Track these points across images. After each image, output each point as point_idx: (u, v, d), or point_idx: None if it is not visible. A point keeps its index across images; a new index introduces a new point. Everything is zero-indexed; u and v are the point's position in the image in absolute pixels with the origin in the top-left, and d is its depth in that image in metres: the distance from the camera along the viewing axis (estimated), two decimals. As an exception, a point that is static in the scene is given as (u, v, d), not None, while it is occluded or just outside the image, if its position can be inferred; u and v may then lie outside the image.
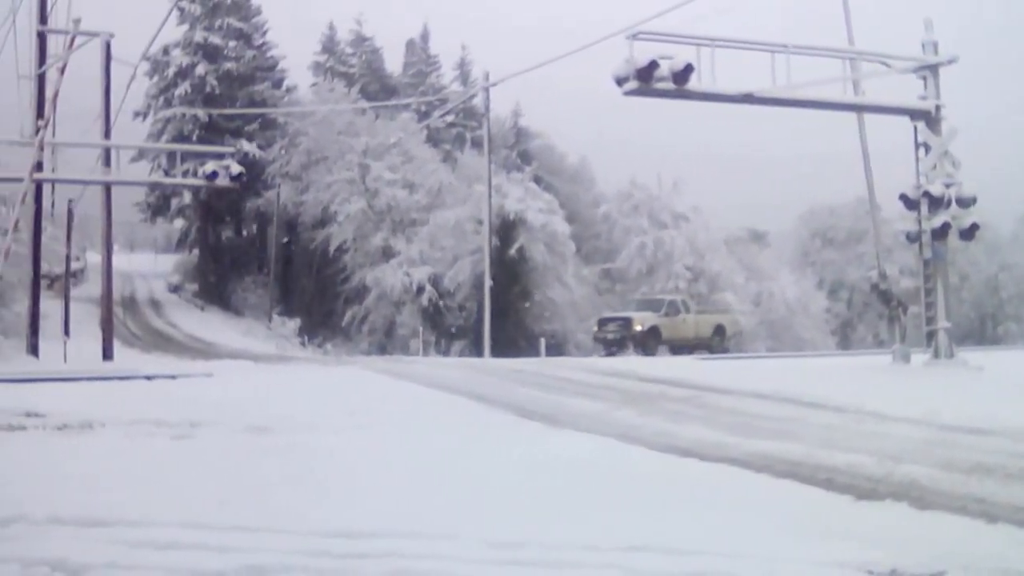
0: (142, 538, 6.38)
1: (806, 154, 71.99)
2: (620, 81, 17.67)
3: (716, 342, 37.54)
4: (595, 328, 37.78)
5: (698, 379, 16.39)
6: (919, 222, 20.52)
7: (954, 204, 19.95)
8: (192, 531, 6.59)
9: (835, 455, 9.40)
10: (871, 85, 20.89)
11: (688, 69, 17.42)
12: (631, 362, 25.07)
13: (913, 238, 20.91)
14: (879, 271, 22.44)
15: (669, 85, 17.63)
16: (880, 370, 19.90)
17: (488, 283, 36.82)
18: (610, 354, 34.34)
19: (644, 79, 17.38)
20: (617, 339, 35.72)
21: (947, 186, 19.92)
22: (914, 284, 23.59)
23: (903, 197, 20.67)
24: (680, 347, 35.69)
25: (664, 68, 17.40)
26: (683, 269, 42.88)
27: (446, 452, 10.10)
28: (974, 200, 20.25)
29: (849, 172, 31.17)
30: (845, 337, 52.33)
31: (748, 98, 18.85)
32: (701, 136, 75.45)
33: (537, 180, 49.67)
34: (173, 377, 18.86)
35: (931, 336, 20.50)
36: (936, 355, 20.27)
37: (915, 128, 20.75)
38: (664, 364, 23.50)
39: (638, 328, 35.26)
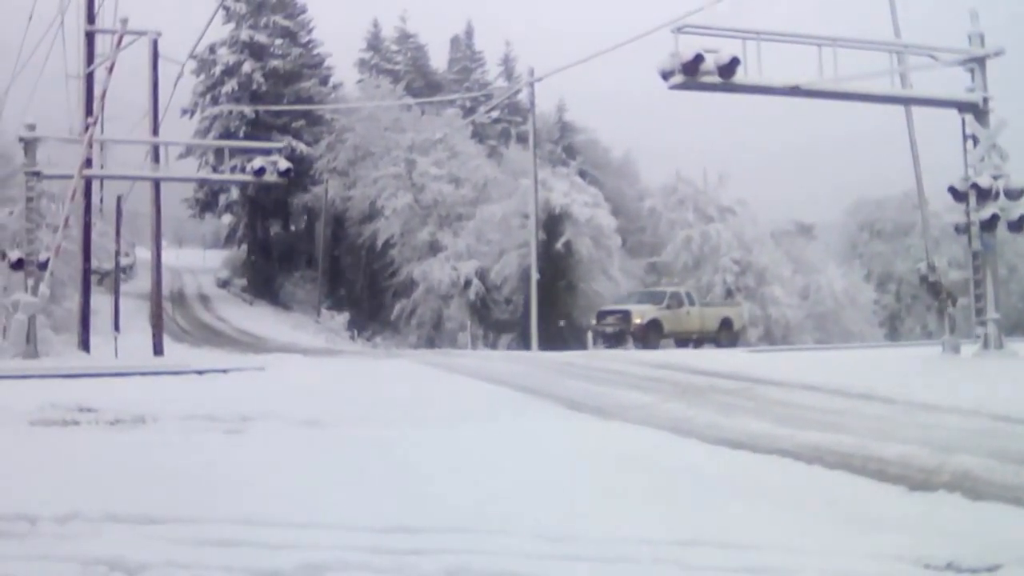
0: (198, 536, 6.40)
1: (852, 147, 71.35)
2: (666, 75, 17.64)
3: (723, 336, 36.45)
4: (593, 321, 36.68)
5: (747, 371, 16.29)
6: (967, 214, 20.33)
7: (1002, 196, 19.79)
8: (248, 528, 6.59)
9: (886, 446, 9.30)
10: (918, 77, 20.73)
11: (734, 62, 17.36)
12: (680, 354, 25.01)
13: (962, 230, 20.75)
14: (928, 263, 22.25)
15: (715, 79, 17.56)
16: (930, 361, 19.74)
17: (535, 276, 36.77)
18: (609, 347, 33.39)
19: (690, 73, 17.33)
20: (616, 332, 34.67)
21: (995, 178, 19.78)
22: (962, 276, 23.28)
23: (951, 189, 20.50)
24: (685, 341, 35.07)
25: (710, 61, 17.35)
26: (730, 263, 42.47)
27: (498, 445, 10.12)
28: (1022, 192, 20.05)
29: (895, 164, 30.90)
30: (893, 329, 51.78)
31: (795, 91, 18.76)
32: (746, 129, 75.13)
33: (582, 174, 49.76)
34: (224, 371, 19.02)
35: (981, 327, 20.33)
36: (986, 346, 20.12)
37: (963, 120, 20.58)
38: (713, 356, 23.38)
39: (637, 321, 34.20)
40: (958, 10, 20.92)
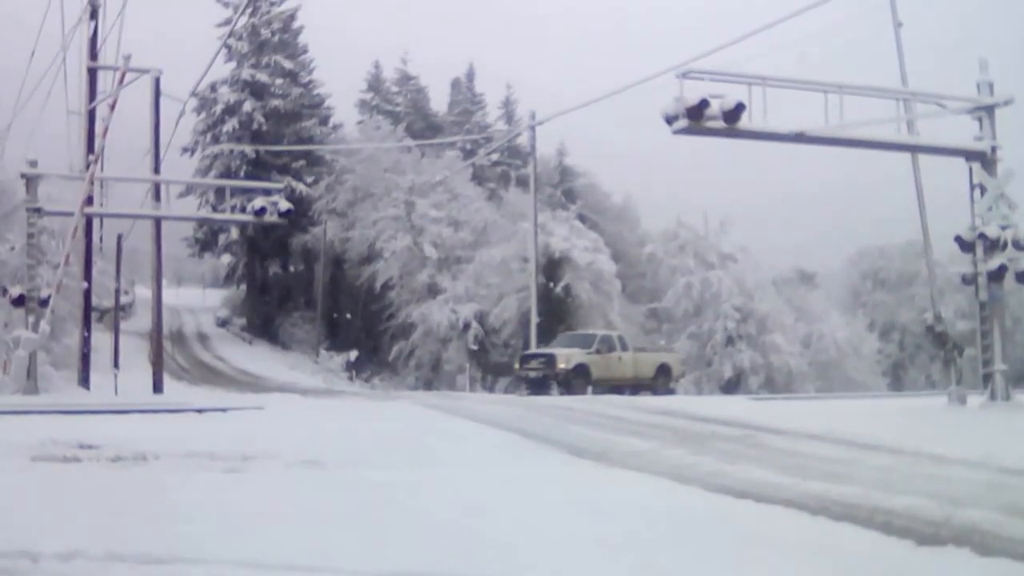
0: None
1: (856, 194, 71.45)
2: (670, 120, 17.66)
3: (660, 383, 34.69)
4: (517, 365, 34.97)
5: (749, 418, 16.18)
6: (975, 264, 20.28)
7: (1010, 246, 19.72)
8: (250, 571, 6.56)
9: (893, 498, 9.20)
10: (925, 125, 20.74)
11: (739, 108, 17.38)
12: (680, 401, 24.87)
13: (969, 280, 20.67)
14: (935, 313, 22.18)
15: (719, 124, 17.58)
16: (935, 412, 19.62)
17: (535, 320, 36.72)
18: (532, 393, 31.45)
19: (694, 118, 17.35)
20: (539, 378, 32.87)
21: (1003, 228, 19.70)
22: (969, 326, 23.27)
23: (958, 239, 20.45)
24: (619, 388, 32.43)
25: (715, 107, 17.36)
26: (731, 309, 42.25)
27: (498, 491, 10.05)
28: (1031, 243, 20.01)
29: (899, 213, 30.93)
30: (897, 379, 51.59)
31: (800, 137, 18.76)
32: (748, 175, 75.26)
33: (582, 218, 49.87)
34: (224, 410, 18.94)
35: (987, 378, 20.22)
36: (993, 397, 19.96)
37: (970, 169, 20.54)
38: (715, 403, 23.29)
39: (562, 366, 32.28)
40: (967, 58, 21.05)
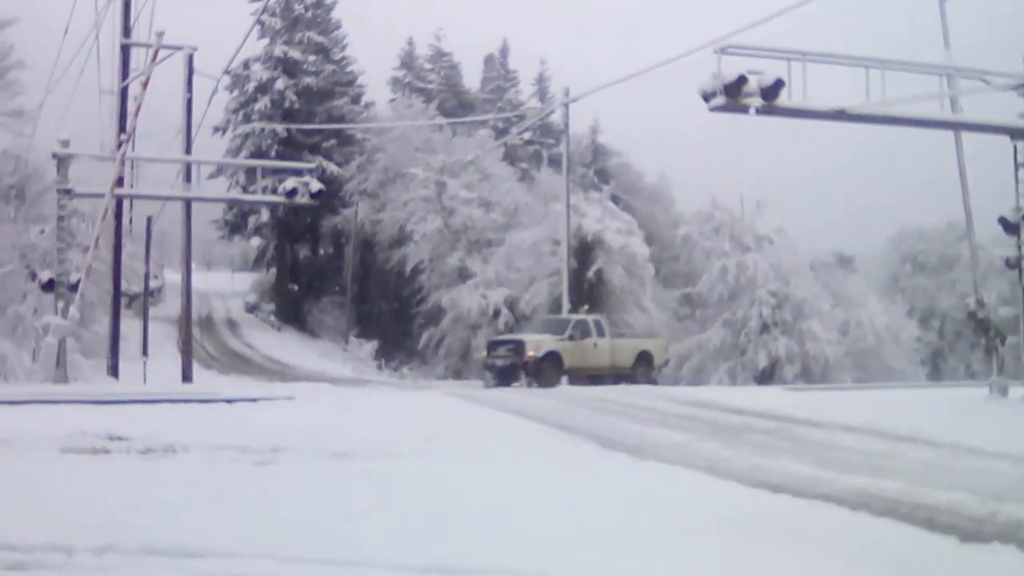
0: (234, 571, 6.38)
1: (897, 174, 70.63)
2: (707, 97, 17.25)
3: (641, 372, 32.12)
4: (484, 353, 32.51)
5: (784, 410, 16.02)
6: (1019, 247, 19.87)
7: (1057, 229, 19.33)
8: (283, 564, 6.56)
9: (934, 493, 9.06)
10: (969, 102, 20.19)
11: (778, 84, 16.93)
12: (714, 391, 24.69)
13: (1013, 264, 20.31)
14: (976, 299, 21.75)
15: (758, 101, 17.12)
16: (976, 403, 19.35)
17: (567, 307, 36.23)
18: (500, 383, 29.75)
19: (732, 94, 16.91)
20: (506, 367, 30.45)
21: (1049, 209, 19.31)
22: (1012, 313, 22.75)
23: (1002, 220, 20.07)
24: (595, 378, 30.31)
25: (753, 83, 16.94)
26: (767, 295, 41.51)
27: (530, 484, 9.94)
28: (1077, 224, 19.61)
29: (940, 193, 30.31)
30: (936, 368, 50.76)
31: (840, 115, 18.29)
32: (785, 154, 74.41)
33: (615, 199, 49.26)
34: (254, 400, 18.91)
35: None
36: (1035, 388, 19.63)
37: (1015, 148, 20.13)
38: (749, 394, 23.05)
39: (531, 353, 29.84)
40: (1014, 32, 20.56)
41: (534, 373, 29.52)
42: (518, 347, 30.34)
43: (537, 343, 30.25)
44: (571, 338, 30.77)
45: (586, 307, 35.64)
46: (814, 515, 8.57)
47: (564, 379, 30.05)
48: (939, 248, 54.11)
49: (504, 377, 30.24)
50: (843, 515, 8.52)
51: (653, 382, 31.13)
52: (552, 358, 30.00)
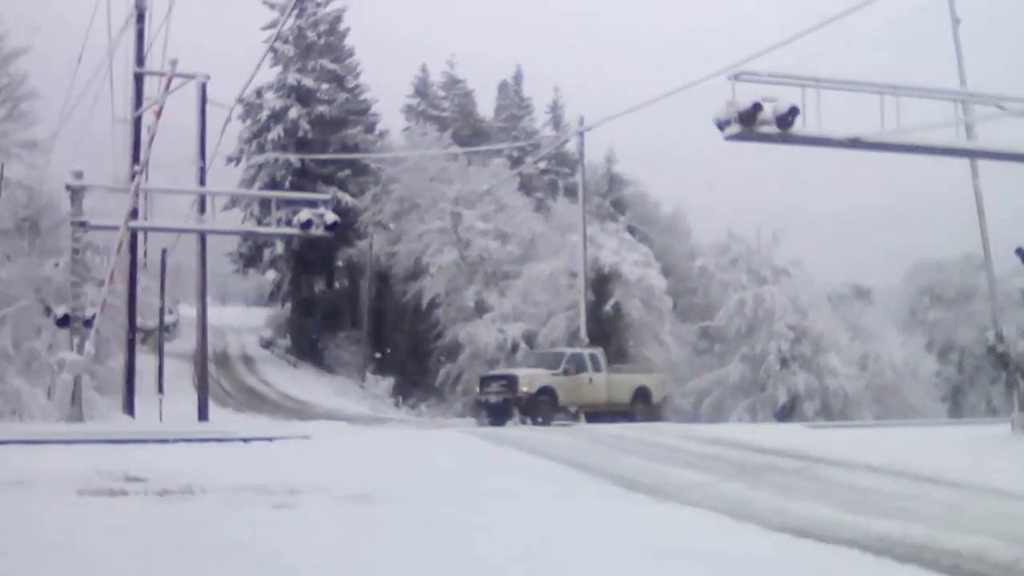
0: None
1: (913, 203, 70.25)
2: (721, 125, 17.21)
3: (639, 409, 31.61)
4: (477, 388, 31.93)
5: (807, 449, 15.89)
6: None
7: (1077, 260, 19.17)
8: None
9: (959, 537, 8.94)
10: (985, 129, 20.08)
11: (793, 111, 16.89)
12: (734, 429, 24.49)
13: (1030, 296, 20.14)
14: (996, 332, 21.56)
15: (772, 129, 17.10)
16: (998, 441, 19.12)
17: (584, 341, 35.97)
18: (493, 421, 29.00)
19: (747, 122, 16.87)
20: (499, 403, 29.62)
21: (1068, 240, 19.15)
22: (1033, 347, 22.52)
23: (1019, 251, 19.90)
24: (596, 415, 30.08)
25: (767, 111, 16.90)
26: (785, 329, 41.28)
27: (550, 527, 9.83)
28: (1099, 256, 19.43)
29: (957, 223, 30.03)
30: (956, 404, 50.26)
31: (855, 143, 18.24)
32: (801, 183, 74.13)
33: (631, 230, 49.20)
34: (270, 439, 18.81)
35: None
36: (1059, 425, 19.37)
37: (1032, 175, 19.99)
38: (770, 432, 22.87)
39: (525, 389, 29.19)
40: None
41: (527, 409, 28.93)
42: (511, 382, 29.75)
43: (530, 378, 29.76)
44: (566, 373, 30.34)
45: (585, 341, 35.35)
46: (839, 561, 8.44)
47: (582, 417, 29.72)
48: (957, 280, 53.78)
49: (497, 414, 29.50)
50: (868, 561, 8.38)
51: (652, 419, 30.38)
52: (546, 393, 29.49)
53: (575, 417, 30.11)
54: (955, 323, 52.95)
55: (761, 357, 41.36)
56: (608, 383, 31.37)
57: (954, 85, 20.75)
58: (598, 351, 33.68)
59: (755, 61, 18.70)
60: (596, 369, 31.39)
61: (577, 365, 30.86)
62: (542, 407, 29.13)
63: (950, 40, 21.92)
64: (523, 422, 28.23)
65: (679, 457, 15.85)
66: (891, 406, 42.47)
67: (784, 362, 40.88)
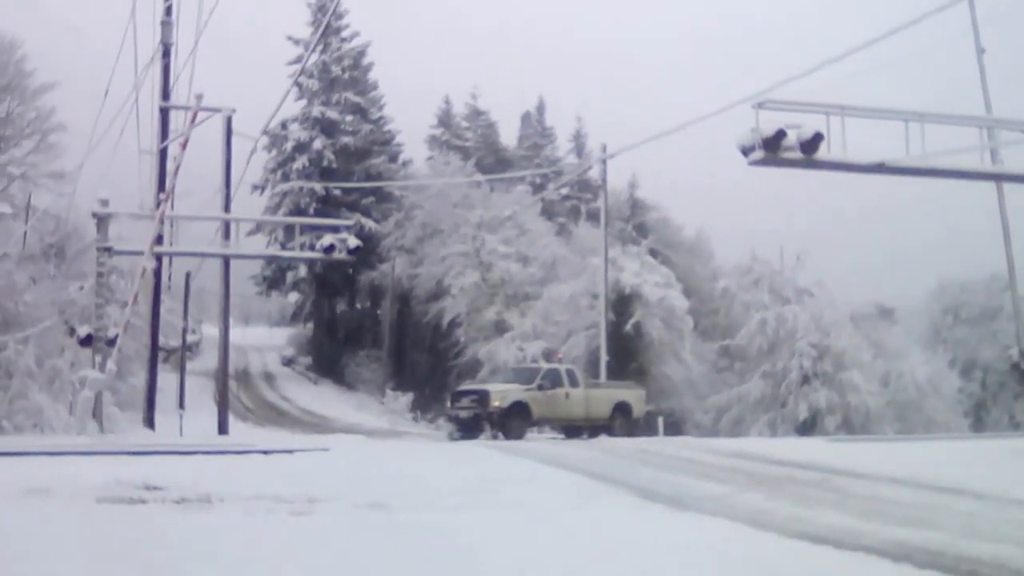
0: None
1: (937, 226, 70.13)
2: (746, 151, 17.31)
3: (619, 424, 31.02)
4: (448, 403, 31.57)
5: (826, 462, 15.79)
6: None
7: (1098, 279, 19.07)
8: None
9: (979, 545, 8.88)
10: (1010, 154, 20.06)
11: (817, 138, 16.99)
12: (755, 443, 24.40)
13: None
14: (1020, 349, 21.48)
15: (797, 155, 17.19)
16: (1021, 454, 18.99)
17: (604, 359, 35.95)
18: (464, 436, 28.58)
19: (771, 149, 16.98)
20: (470, 418, 29.26)
21: (1090, 260, 19.07)
22: (1055, 363, 22.42)
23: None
24: (576, 430, 30.11)
25: (792, 137, 16.98)
26: (807, 347, 41.17)
27: (568, 536, 9.81)
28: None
29: (982, 245, 30.00)
30: (979, 419, 50.03)
31: (880, 168, 18.29)
32: (825, 207, 74.02)
33: (653, 253, 49.22)
34: (289, 451, 18.90)
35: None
36: (1080, 439, 19.25)
37: (1055, 198, 19.95)
38: (790, 446, 22.76)
39: (496, 404, 28.65)
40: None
41: (499, 424, 28.53)
42: (482, 397, 29.32)
43: (503, 393, 29.28)
44: (540, 388, 29.83)
45: (559, 357, 35.20)
46: (856, 567, 8.38)
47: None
48: (981, 300, 53.67)
49: (468, 429, 29.12)
50: (885, 567, 8.34)
51: (631, 434, 29.95)
52: (518, 408, 29.03)
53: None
54: (978, 341, 52.77)
55: (783, 374, 41.25)
56: (586, 398, 30.86)
57: (979, 111, 20.76)
58: (575, 367, 33.70)
59: (779, 89, 18.79)
60: (573, 384, 30.94)
61: (552, 380, 30.42)
62: (514, 422, 28.70)
63: (975, 67, 21.94)
64: (494, 437, 27.85)
65: (698, 469, 15.79)
66: (913, 422, 42.21)
67: (806, 379, 40.75)
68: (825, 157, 17.51)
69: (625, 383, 36.76)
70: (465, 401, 29.84)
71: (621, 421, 31.14)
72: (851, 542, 9.24)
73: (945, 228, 71.05)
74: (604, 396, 31.84)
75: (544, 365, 32.68)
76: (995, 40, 22.51)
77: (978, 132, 19.61)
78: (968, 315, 54.63)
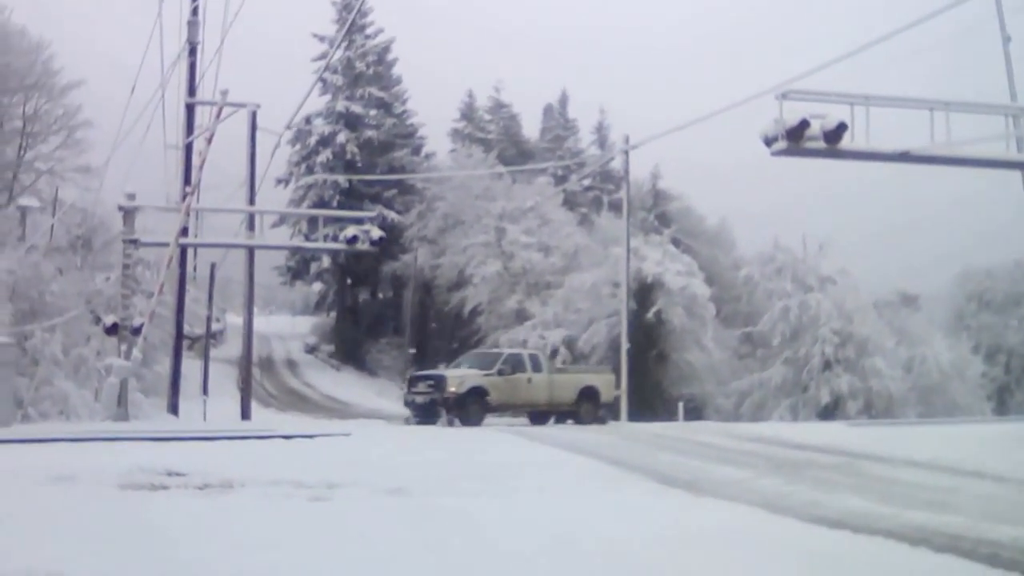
0: None
1: (961, 213, 69.62)
2: (769, 141, 17.22)
3: (585, 409, 30.33)
4: (404, 389, 31.01)
5: (847, 446, 15.79)
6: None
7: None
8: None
9: (998, 528, 8.86)
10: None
11: (841, 127, 16.88)
12: (776, 428, 24.37)
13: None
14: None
15: (820, 144, 17.08)
16: (1044, 438, 18.92)
17: (625, 346, 35.89)
18: (420, 421, 28.13)
19: (794, 139, 16.88)
20: (426, 403, 28.58)
21: (1113, 246, 18.91)
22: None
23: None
24: (542, 416, 29.73)
25: (815, 127, 16.89)
26: (829, 333, 41.03)
27: (588, 520, 9.83)
28: None
29: (1007, 232, 29.80)
30: (1002, 403, 49.85)
31: (904, 157, 18.15)
32: (849, 195, 73.65)
33: (675, 242, 49.19)
34: (311, 437, 19.01)
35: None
36: (1104, 422, 19.14)
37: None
38: (811, 430, 22.74)
39: (452, 390, 28.02)
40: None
41: (456, 410, 27.88)
42: (439, 383, 28.77)
43: (460, 378, 28.78)
44: (500, 373, 29.24)
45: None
46: (874, 551, 8.35)
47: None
48: (1005, 286, 53.53)
49: (424, 414, 28.54)
50: (902, 551, 8.31)
51: (600, 420, 29.76)
52: (476, 394, 28.46)
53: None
54: (1003, 327, 52.64)
55: (804, 360, 41.19)
56: (550, 383, 30.19)
57: (1004, 100, 20.61)
58: (540, 352, 33.31)
59: (803, 79, 18.69)
60: (536, 369, 30.29)
61: (514, 365, 29.82)
62: (471, 408, 28.11)
63: (1000, 55, 21.73)
64: (451, 423, 27.31)
65: (717, 454, 15.79)
66: (936, 406, 42.06)
67: (828, 365, 40.66)
68: (849, 147, 17.42)
69: (594, 367, 36.70)
70: (421, 386, 29.26)
71: (587, 407, 30.51)
72: (869, 526, 9.23)
73: (969, 216, 70.65)
74: (569, 381, 31.15)
75: (507, 350, 32.09)
76: (1021, 28, 22.25)
77: (1003, 120, 19.47)
78: (992, 301, 54.43)
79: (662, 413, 37.02)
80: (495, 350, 33.40)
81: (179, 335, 29.52)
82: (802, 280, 43.75)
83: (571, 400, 30.41)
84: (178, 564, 7.24)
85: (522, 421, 30.69)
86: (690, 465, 14.36)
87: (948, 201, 67.49)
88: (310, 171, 62.98)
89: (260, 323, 43.24)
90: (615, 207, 50.58)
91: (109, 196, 33.41)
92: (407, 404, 30.02)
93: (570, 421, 29.55)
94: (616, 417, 32.15)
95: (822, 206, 72.33)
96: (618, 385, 33.26)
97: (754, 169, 47.18)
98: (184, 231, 26.24)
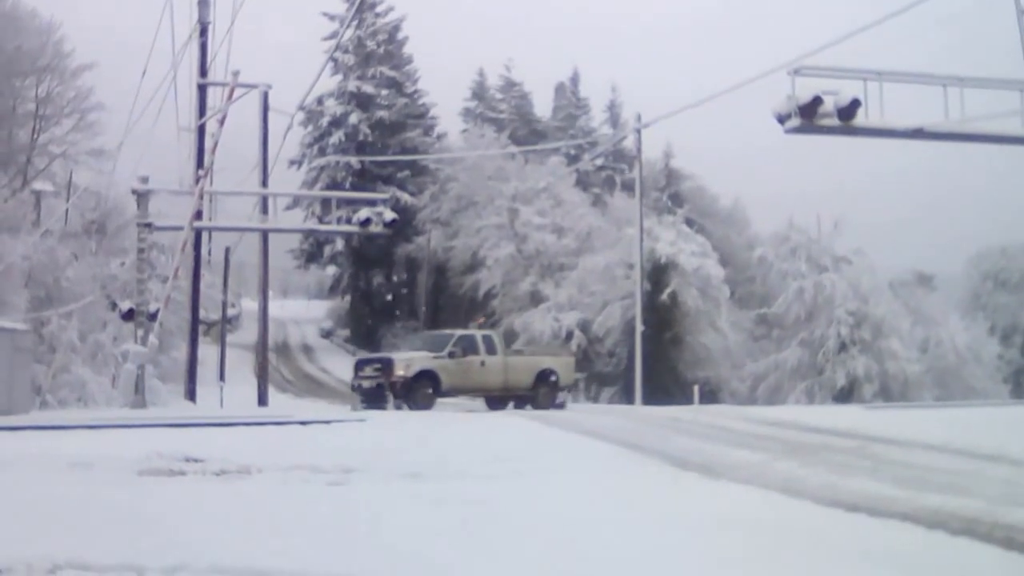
0: None
1: (977, 191, 69.41)
2: (782, 119, 17.16)
3: (542, 394, 29.26)
4: (352, 373, 29.77)
5: (863, 429, 15.70)
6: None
7: None
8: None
9: (1015, 511, 8.79)
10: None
11: (854, 104, 16.82)
12: (792, 411, 24.32)
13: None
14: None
15: (834, 121, 17.03)
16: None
17: (640, 328, 35.84)
18: (370, 407, 26.86)
19: (807, 116, 16.82)
20: (373, 388, 27.58)
21: None
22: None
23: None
24: (494, 400, 29.01)
25: (828, 104, 16.82)
26: (845, 314, 40.93)
27: (603, 504, 9.87)
28: None
29: (1021, 212, 29.62)
30: (1019, 385, 49.62)
31: (918, 133, 18.06)
32: (863, 174, 73.45)
33: (689, 223, 49.13)
34: (327, 422, 19.07)
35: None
36: (1121, 403, 19.04)
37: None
38: (826, 413, 22.67)
39: (400, 373, 26.88)
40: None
41: (403, 394, 26.95)
42: (386, 366, 27.61)
43: (408, 362, 27.62)
44: (451, 355, 28.09)
45: (480, 321, 34.32)
46: (889, 534, 8.35)
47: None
48: (1021, 265, 53.19)
49: (371, 399, 27.64)
50: (918, 534, 8.30)
51: (557, 405, 28.97)
52: (426, 377, 27.39)
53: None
54: (1019, 307, 52.41)
55: (820, 342, 41.13)
56: (505, 366, 29.19)
57: (1019, 75, 20.43)
58: (494, 333, 32.46)
59: (816, 55, 18.57)
60: (490, 351, 29.19)
61: (465, 347, 28.64)
62: (420, 392, 27.10)
63: (1015, 31, 21.52)
64: (398, 408, 26.61)
65: (732, 437, 15.76)
66: (952, 389, 41.97)
67: (843, 346, 40.59)
68: (862, 123, 17.33)
69: (553, 348, 36.08)
70: (368, 370, 28.26)
71: (544, 391, 29.55)
72: (885, 509, 9.19)
73: (985, 194, 70.34)
74: (525, 364, 30.20)
75: (458, 332, 31.12)
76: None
77: (1019, 96, 19.32)
78: (1008, 280, 54.20)
79: (677, 396, 36.98)
80: (447, 332, 32.24)
81: (195, 320, 29.61)
82: (817, 260, 43.65)
83: (528, 384, 29.48)
84: (196, 549, 7.26)
85: (479, 404, 29.96)
86: (704, 448, 14.33)
87: (965, 176, 67.18)
88: (322, 152, 63.11)
89: (275, 307, 43.38)
90: (628, 187, 50.54)
91: (122, 179, 33.52)
92: (354, 389, 29.10)
93: (528, 407, 28.54)
94: (595, 401, 31.62)
95: (835, 188, 72.03)
96: (572, 368, 32.17)
97: (768, 146, 47.01)
98: (198, 214, 26.26)
